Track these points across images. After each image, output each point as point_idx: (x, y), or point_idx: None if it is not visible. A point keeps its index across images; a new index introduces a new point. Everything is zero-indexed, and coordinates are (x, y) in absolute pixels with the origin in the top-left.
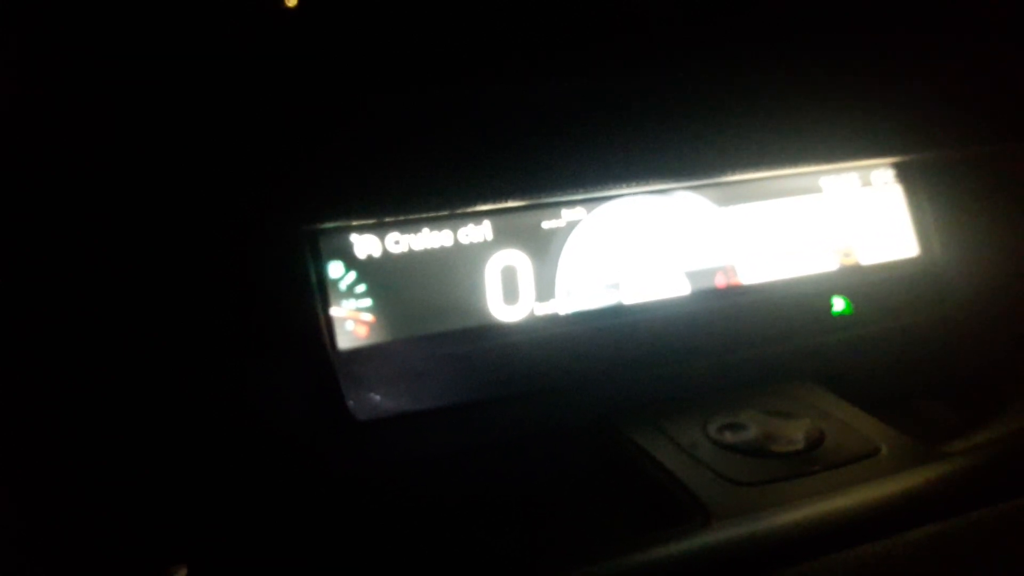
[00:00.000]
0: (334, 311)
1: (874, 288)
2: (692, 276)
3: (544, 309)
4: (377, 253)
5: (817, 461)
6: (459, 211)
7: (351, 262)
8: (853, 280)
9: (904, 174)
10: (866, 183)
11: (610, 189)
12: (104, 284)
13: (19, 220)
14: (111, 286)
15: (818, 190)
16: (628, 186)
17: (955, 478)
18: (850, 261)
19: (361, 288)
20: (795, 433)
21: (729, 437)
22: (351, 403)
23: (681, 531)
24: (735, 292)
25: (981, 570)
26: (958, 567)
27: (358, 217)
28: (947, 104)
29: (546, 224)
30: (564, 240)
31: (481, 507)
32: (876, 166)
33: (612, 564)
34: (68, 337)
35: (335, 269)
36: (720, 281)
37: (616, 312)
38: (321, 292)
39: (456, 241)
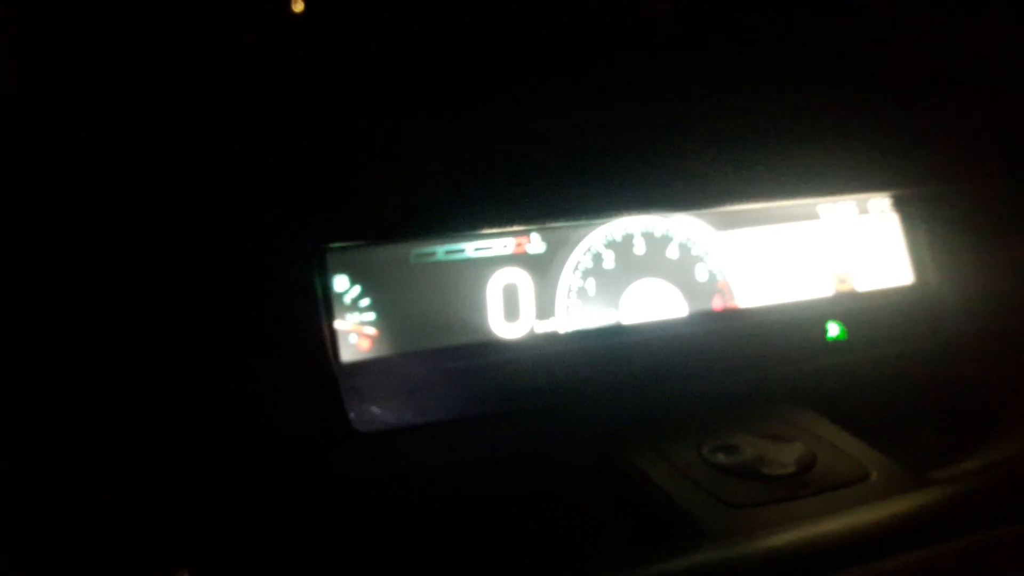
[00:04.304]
0: (338, 324)
1: (869, 314)
2: (690, 298)
3: (544, 327)
4: (381, 269)
5: (808, 484)
6: (464, 232)
7: (356, 277)
8: (848, 306)
9: (901, 203)
10: (863, 211)
11: (611, 216)
12: (112, 290)
13: (35, 223)
14: (119, 292)
15: (815, 217)
16: (628, 213)
17: (942, 505)
18: (846, 287)
19: (365, 302)
20: (787, 456)
21: (723, 459)
22: (352, 415)
23: (674, 551)
24: (731, 315)
25: None
26: None
27: (366, 236)
28: (942, 140)
29: (548, 244)
30: (565, 260)
31: (477, 521)
32: (874, 195)
33: None
34: (79, 342)
35: (340, 283)
36: (717, 304)
37: (614, 332)
38: (326, 306)
39: (459, 259)
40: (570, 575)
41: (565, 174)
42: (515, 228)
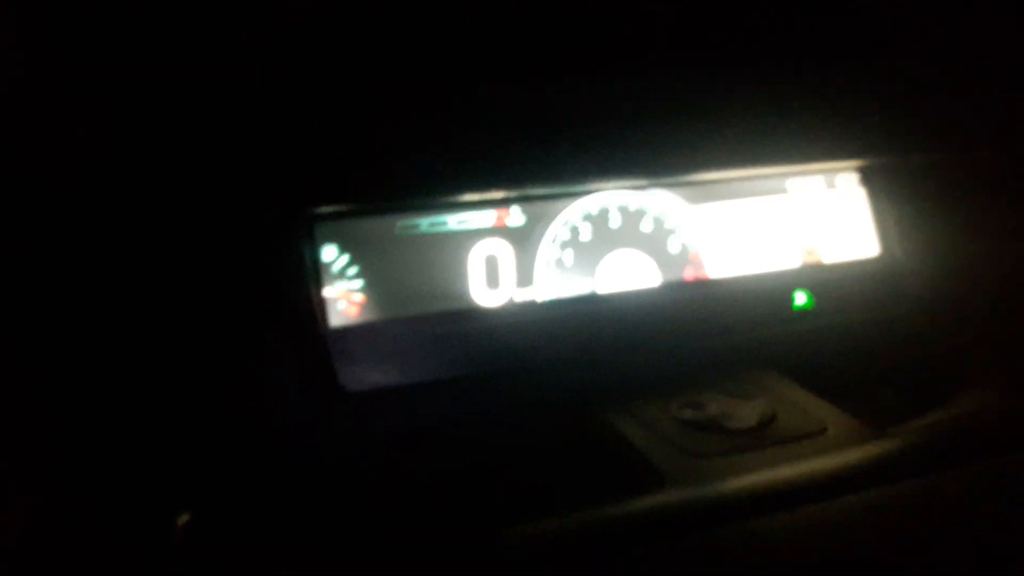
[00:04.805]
0: (327, 292)
1: (835, 284)
2: (663, 269)
3: (523, 296)
4: (368, 240)
5: (767, 437)
6: (448, 200)
7: (343, 247)
8: (815, 276)
9: (867, 178)
10: (831, 186)
11: (588, 184)
12: (109, 258)
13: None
14: (116, 260)
15: (784, 191)
16: (605, 179)
17: (892, 454)
18: (813, 259)
19: (352, 271)
20: (749, 412)
21: (688, 414)
22: (342, 376)
23: (636, 493)
24: (703, 285)
25: (909, 531)
26: (888, 527)
27: (352, 201)
28: (910, 111)
29: (527, 217)
30: (543, 232)
31: (455, 474)
32: (841, 170)
33: (570, 521)
34: (78, 304)
35: (328, 253)
36: (689, 274)
37: (590, 300)
38: (315, 274)
39: (442, 231)
40: (536, 516)
41: (544, 143)
42: (495, 196)
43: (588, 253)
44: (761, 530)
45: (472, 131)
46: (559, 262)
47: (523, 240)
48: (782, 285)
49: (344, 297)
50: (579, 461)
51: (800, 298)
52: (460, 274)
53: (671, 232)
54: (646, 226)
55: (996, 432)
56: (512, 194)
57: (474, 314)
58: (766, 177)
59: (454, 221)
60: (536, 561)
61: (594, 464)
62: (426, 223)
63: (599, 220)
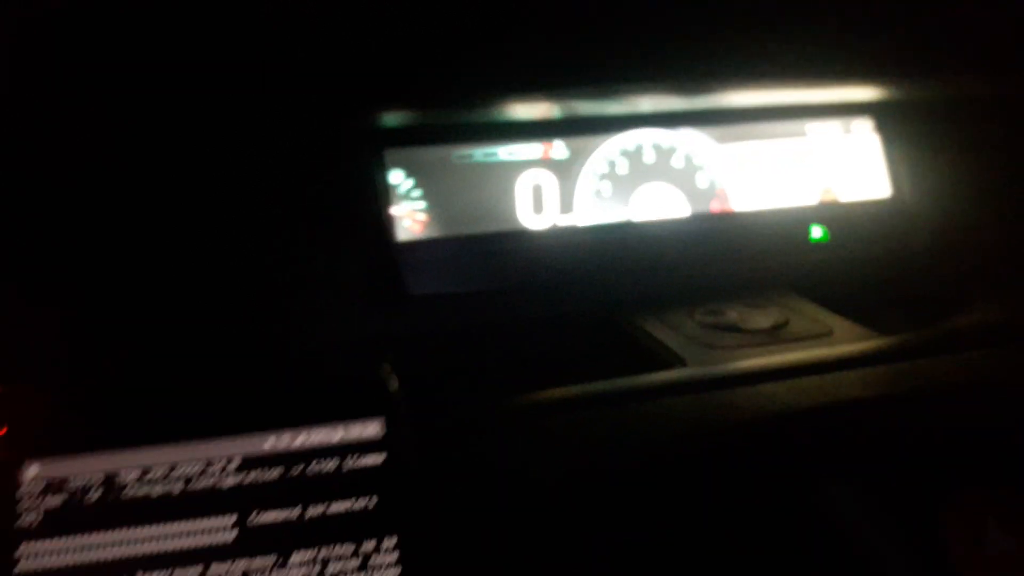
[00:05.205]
0: (394, 210)
1: (849, 221)
2: (691, 201)
3: (565, 221)
4: (430, 166)
5: (779, 337)
6: (497, 107)
7: (409, 171)
8: (831, 213)
9: (881, 125)
10: (847, 131)
11: (626, 89)
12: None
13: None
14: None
15: (803, 135)
16: (641, 88)
17: (890, 346)
18: (829, 198)
19: (416, 194)
20: (764, 318)
21: (709, 319)
22: (407, 282)
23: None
24: (727, 217)
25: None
26: (879, 386)
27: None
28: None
29: (570, 151)
30: (583, 164)
31: (499, 362)
32: (857, 115)
33: (600, 388)
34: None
35: (396, 176)
36: (715, 207)
37: (624, 227)
38: (385, 194)
39: (494, 160)
40: (564, 383)
41: (587, 47)
42: (543, 108)
43: (624, 185)
44: (767, 391)
45: (521, 38)
46: (597, 192)
47: (566, 172)
48: (800, 219)
49: (409, 216)
50: (610, 355)
51: (816, 232)
52: (509, 200)
53: (699, 168)
54: (677, 162)
55: (988, 332)
56: (556, 108)
57: (521, 235)
58: (787, 122)
59: (504, 152)
60: (563, 412)
61: (623, 356)
62: (480, 153)
63: (634, 155)
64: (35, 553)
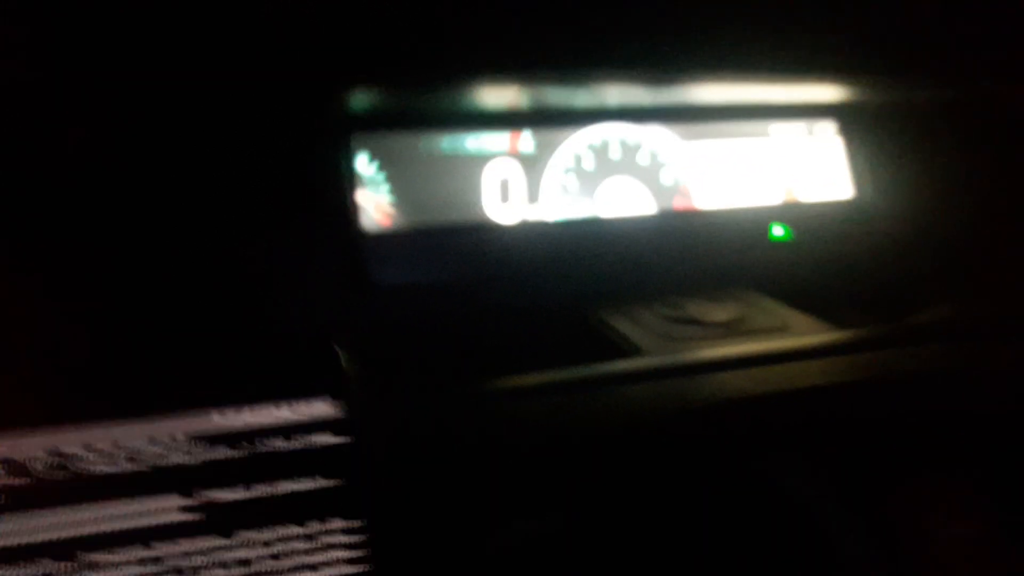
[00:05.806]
0: (361, 198)
1: (811, 221)
2: (655, 197)
3: (531, 213)
4: (397, 153)
5: (735, 330)
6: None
7: (375, 157)
8: (793, 213)
9: (844, 128)
10: (810, 133)
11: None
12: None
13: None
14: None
15: (767, 135)
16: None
17: (843, 340)
18: (791, 198)
19: (382, 180)
20: (722, 312)
21: (669, 312)
22: (372, 272)
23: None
24: (690, 214)
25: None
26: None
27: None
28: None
29: (537, 143)
30: (550, 157)
31: (464, 355)
32: (821, 117)
33: (561, 376)
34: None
35: (363, 163)
36: (678, 203)
37: (589, 222)
38: (350, 181)
39: (462, 150)
40: (524, 371)
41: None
42: (510, 94)
43: (589, 179)
44: (721, 380)
45: (492, 20)
46: (563, 187)
47: (532, 164)
48: (762, 218)
49: (375, 205)
50: (573, 346)
51: (778, 231)
52: (476, 191)
53: (664, 165)
54: (642, 158)
55: (940, 327)
56: (524, 95)
57: (487, 227)
58: (751, 122)
59: (472, 143)
60: (525, 398)
61: (586, 347)
62: (447, 142)
63: (600, 150)
64: None
